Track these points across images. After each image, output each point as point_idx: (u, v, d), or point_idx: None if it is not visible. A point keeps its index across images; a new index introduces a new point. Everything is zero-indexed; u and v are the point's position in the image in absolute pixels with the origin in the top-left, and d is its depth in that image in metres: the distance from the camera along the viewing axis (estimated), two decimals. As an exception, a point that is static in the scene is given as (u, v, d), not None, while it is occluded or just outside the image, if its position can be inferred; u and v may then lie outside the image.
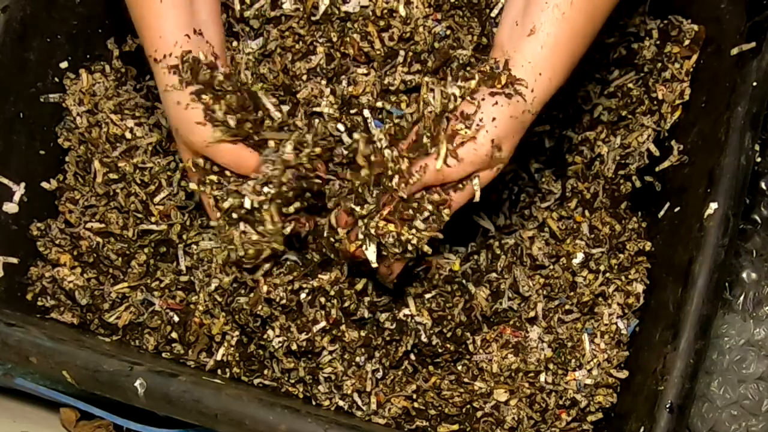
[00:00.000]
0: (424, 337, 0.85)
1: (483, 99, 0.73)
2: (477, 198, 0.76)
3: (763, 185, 1.03)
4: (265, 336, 0.86)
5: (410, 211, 0.74)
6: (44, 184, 0.95)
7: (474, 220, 0.92)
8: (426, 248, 0.76)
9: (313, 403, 0.86)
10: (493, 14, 0.86)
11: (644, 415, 0.78)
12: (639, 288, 0.88)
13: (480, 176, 0.75)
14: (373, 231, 0.75)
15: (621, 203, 0.92)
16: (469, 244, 0.91)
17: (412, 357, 0.86)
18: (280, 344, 0.85)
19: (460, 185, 0.75)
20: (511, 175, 0.93)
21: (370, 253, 0.75)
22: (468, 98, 0.74)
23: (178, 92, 0.75)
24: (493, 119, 0.73)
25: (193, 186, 0.80)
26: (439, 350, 0.86)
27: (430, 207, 0.75)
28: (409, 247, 0.75)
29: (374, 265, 0.76)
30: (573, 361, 0.86)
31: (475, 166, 0.74)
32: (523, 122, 0.75)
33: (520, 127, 0.75)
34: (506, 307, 0.88)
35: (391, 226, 0.74)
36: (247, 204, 0.77)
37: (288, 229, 0.79)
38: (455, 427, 0.85)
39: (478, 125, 0.73)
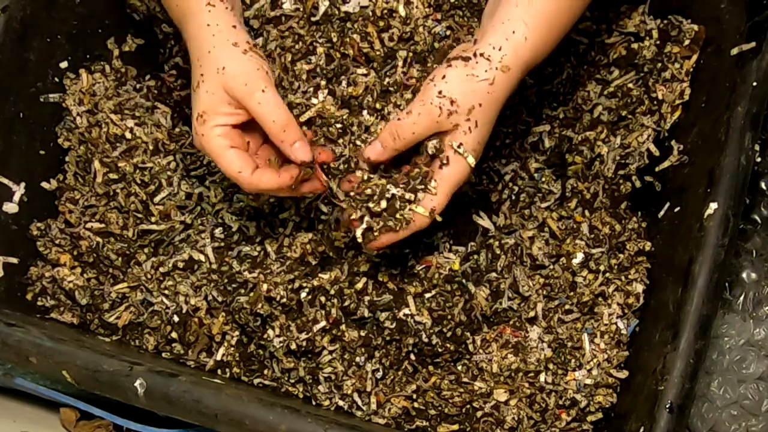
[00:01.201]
0: (424, 337, 0.85)
1: (440, 63, 0.79)
2: (471, 163, 0.77)
3: (763, 185, 1.03)
4: (265, 336, 0.86)
5: (395, 174, 0.79)
6: (44, 184, 0.95)
7: (474, 220, 0.92)
8: (408, 214, 0.78)
9: (313, 403, 0.86)
10: (493, 14, 0.86)
11: (644, 415, 0.78)
12: (639, 288, 0.88)
13: (463, 144, 0.77)
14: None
15: (621, 203, 0.92)
16: (469, 244, 0.91)
17: (412, 357, 0.86)
18: (280, 344, 0.85)
19: (444, 159, 0.77)
20: (511, 175, 0.93)
21: (337, 193, 0.80)
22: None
23: None
24: (443, 77, 0.77)
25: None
26: (439, 350, 0.86)
27: (414, 176, 0.78)
28: (385, 204, 0.78)
29: (342, 204, 0.80)
30: (573, 361, 0.86)
31: (428, 118, 0.76)
32: (491, 80, 0.76)
33: (485, 85, 0.76)
34: (506, 307, 0.88)
35: (375, 179, 0.80)
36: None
37: None
38: (455, 427, 0.85)
39: (428, 81, 0.78)
